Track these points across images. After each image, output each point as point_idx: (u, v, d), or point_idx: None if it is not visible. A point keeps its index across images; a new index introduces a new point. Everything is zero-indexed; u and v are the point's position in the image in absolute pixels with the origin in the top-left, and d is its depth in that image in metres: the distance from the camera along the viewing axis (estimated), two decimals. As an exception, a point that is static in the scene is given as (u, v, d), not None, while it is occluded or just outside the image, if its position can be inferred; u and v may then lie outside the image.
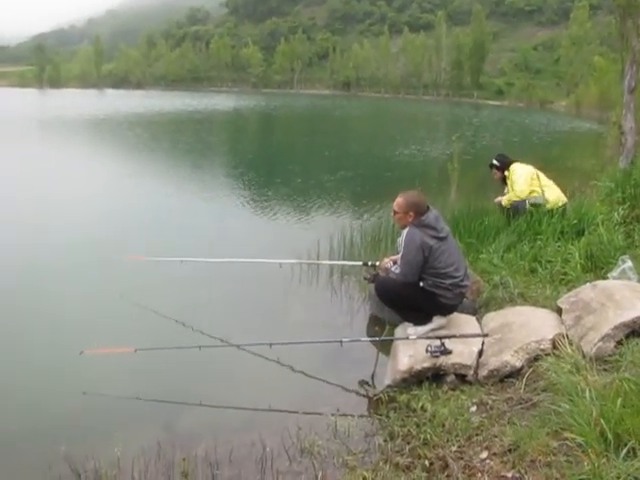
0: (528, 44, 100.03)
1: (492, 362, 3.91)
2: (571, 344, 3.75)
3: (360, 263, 5.56)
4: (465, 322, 4.54)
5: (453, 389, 3.88)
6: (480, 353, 4.06)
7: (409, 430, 3.45)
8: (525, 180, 6.46)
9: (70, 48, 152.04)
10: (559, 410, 3.03)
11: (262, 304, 5.93)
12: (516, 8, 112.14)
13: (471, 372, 3.94)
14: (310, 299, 6.04)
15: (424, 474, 2.99)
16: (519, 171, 6.56)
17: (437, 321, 4.44)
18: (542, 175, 6.57)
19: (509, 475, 2.78)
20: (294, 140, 26.69)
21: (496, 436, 3.13)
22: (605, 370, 3.42)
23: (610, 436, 2.66)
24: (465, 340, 4.13)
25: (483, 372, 3.92)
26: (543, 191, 6.40)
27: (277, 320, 5.52)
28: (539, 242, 5.82)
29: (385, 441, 3.44)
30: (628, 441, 2.62)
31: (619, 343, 3.63)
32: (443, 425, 3.37)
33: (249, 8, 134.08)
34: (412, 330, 4.41)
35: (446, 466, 3.00)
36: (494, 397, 3.63)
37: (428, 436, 3.30)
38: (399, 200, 4.42)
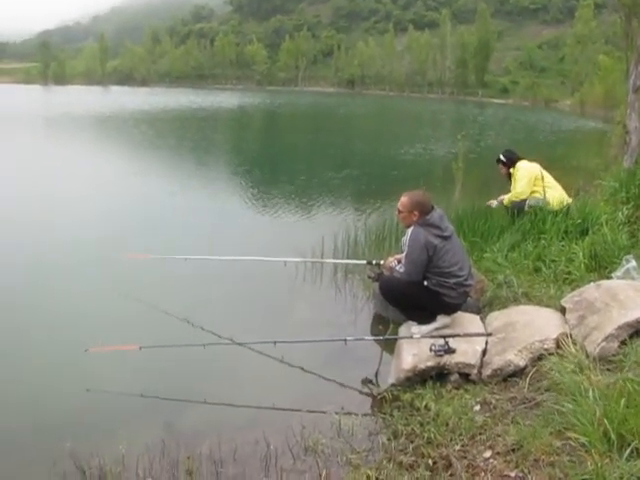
0: (533, 43, 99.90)
1: (496, 361, 3.91)
2: (575, 344, 3.75)
3: (364, 262, 5.56)
4: (469, 321, 4.55)
5: (457, 388, 3.88)
6: (484, 352, 4.07)
7: (413, 429, 3.45)
8: (528, 181, 6.44)
9: (75, 45, 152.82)
10: (562, 410, 3.03)
11: (266, 302, 5.94)
12: (521, 7, 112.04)
13: (475, 371, 3.95)
14: (314, 297, 6.05)
15: (427, 473, 2.99)
16: (523, 171, 6.53)
17: (441, 320, 4.45)
18: (547, 175, 6.55)
19: (512, 474, 2.78)
20: (298, 138, 26.68)
21: (499, 435, 3.14)
22: (609, 370, 3.42)
23: (613, 436, 2.67)
24: (469, 339, 4.13)
25: (487, 371, 3.92)
26: (545, 192, 6.39)
27: (281, 318, 5.53)
28: (543, 241, 5.80)
29: (389, 440, 3.44)
30: (631, 441, 2.62)
31: (623, 343, 3.62)
32: (447, 424, 3.38)
33: (253, 6, 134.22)
34: (416, 329, 4.42)
35: (449, 465, 3.00)
36: (498, 396, 3.63)
37: (432, 435, 3.30)
38: (404, 199, 4.44)
